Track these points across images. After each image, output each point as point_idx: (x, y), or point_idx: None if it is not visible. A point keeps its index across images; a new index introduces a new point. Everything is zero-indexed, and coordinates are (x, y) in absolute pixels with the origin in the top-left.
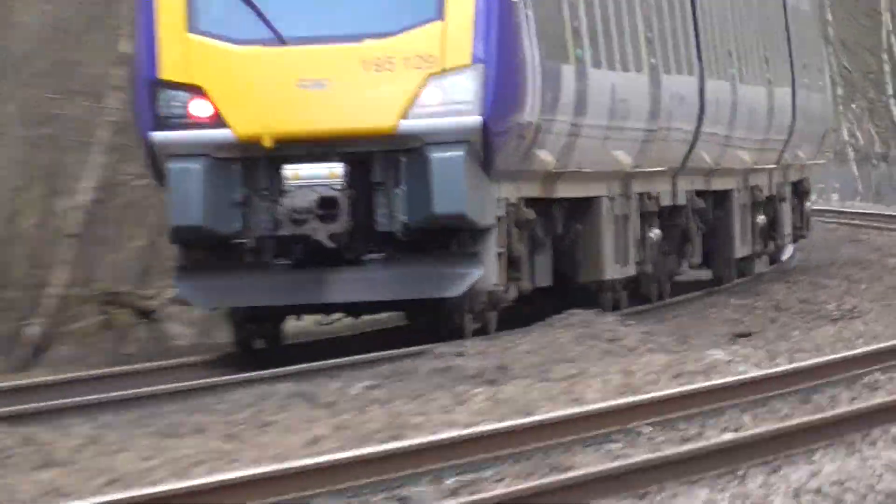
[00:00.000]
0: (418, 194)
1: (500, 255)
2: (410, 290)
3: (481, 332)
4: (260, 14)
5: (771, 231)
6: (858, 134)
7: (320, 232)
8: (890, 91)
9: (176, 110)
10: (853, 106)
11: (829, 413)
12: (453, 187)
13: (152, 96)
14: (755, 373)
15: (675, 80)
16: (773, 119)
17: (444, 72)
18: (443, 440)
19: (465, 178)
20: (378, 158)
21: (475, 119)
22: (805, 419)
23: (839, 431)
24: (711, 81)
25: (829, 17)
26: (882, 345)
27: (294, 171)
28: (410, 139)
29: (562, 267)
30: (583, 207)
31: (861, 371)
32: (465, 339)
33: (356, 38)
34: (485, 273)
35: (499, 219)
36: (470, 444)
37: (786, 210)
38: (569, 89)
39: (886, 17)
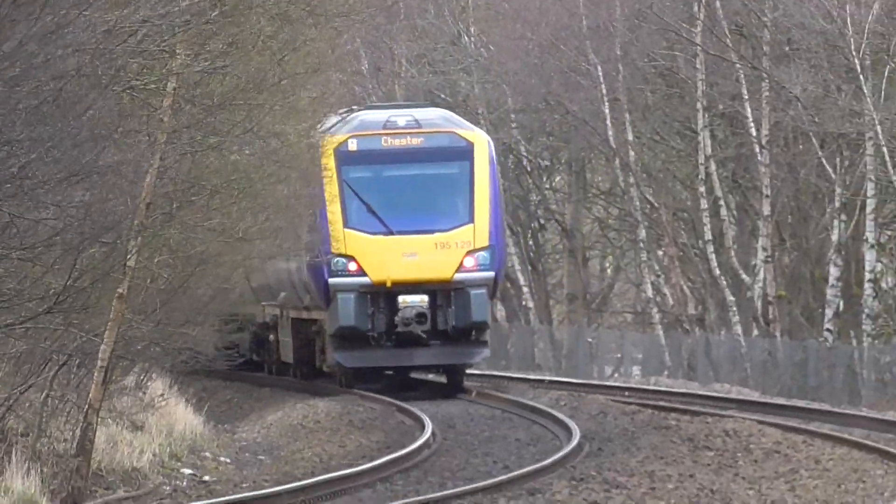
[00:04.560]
0: (462, 311)
1: None
2: (454, 359)
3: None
4: (381, 219)
5: None
6: (666, 290)
7: (417, 330)
8: (708, 235)
9: (341, 267)
10: (660, 253)
11: None
12: (482, 308)
13: (329, 261)
14: None
15: None
16: None
17: (475, 250)
18: None
19: (486, 303)
20: (441, 292)
21: (490, 274)
22: None
23: None
24: None
25: (630, 136)
26: None
27: (404, 299)
28: (458, 283)
29: None
30: None
31: None
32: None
33: (431, 231)
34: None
35: None
36: None
37: None
38: None
39: (704, 137)
